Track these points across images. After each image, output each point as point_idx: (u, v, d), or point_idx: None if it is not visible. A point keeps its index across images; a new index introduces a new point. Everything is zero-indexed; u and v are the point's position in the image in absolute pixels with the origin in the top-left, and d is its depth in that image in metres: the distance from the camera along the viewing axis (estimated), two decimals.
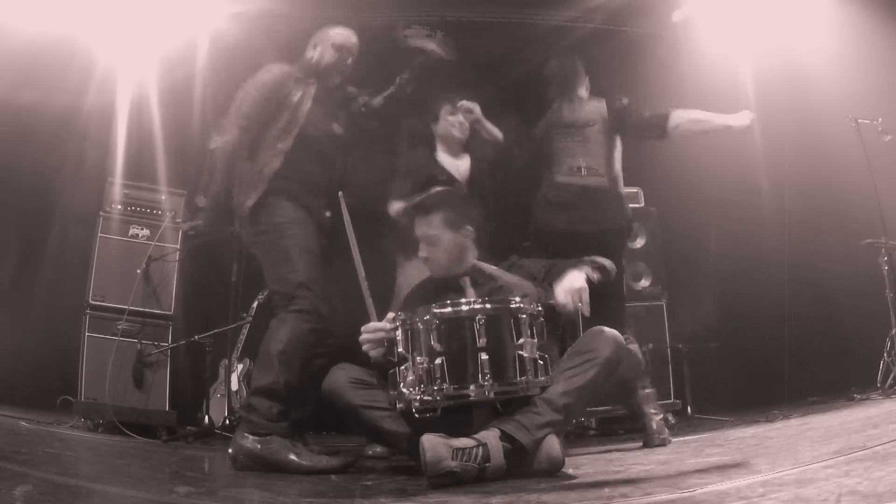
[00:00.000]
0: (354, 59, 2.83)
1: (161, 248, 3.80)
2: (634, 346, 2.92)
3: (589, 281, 2.18)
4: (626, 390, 2.82)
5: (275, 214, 2.58)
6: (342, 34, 2.82)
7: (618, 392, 2.88)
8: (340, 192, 2.33)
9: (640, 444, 2.75)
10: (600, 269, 2.29)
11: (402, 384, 1.98)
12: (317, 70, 2.76)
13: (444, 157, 3.13)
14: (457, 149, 3.15)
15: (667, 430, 2.77)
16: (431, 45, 3.02)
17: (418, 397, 1.92)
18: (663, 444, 2.66)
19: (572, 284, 2.13)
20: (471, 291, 2.34)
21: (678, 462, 2.04)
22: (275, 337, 2.43)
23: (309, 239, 2.57)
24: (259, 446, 2.27)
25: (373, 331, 2.12)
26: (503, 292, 2.33)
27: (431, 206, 2.43)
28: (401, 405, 1.99)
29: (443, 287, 2.37)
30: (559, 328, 2.27)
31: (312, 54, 2.79)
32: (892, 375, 3.58)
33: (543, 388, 1.99)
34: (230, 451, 2.33)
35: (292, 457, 2.26)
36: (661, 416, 2.82)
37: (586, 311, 2.12)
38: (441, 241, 2.35)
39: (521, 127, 3.18)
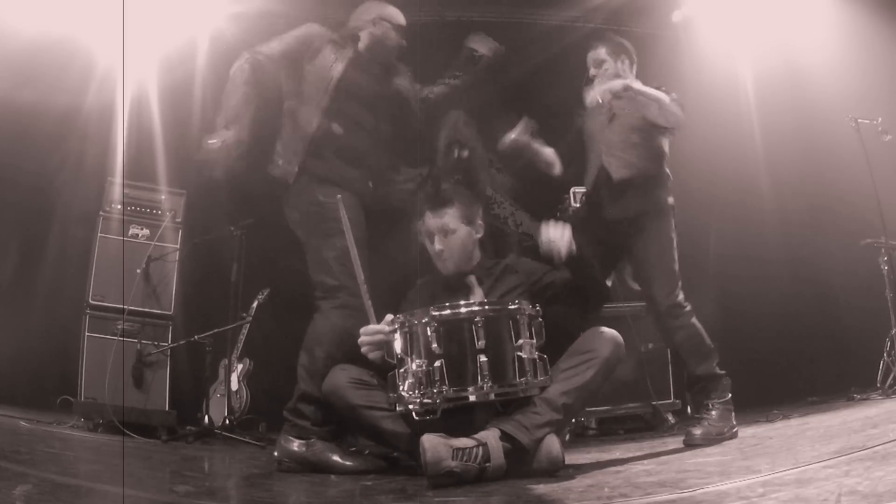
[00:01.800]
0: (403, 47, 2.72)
1: (161, 248, 3.81)
2: (696, 322, 2.75)
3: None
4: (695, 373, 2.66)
5: (318, 192, 2.45)
6: (399, 15, 2.72)
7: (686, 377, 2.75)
8: (339, 196, 2.32)
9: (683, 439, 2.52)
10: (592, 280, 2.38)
11: (401, 387, 1.97)
12: (365, 46, 2.67)
13: None
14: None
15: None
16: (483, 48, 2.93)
17: (418, 400, 1.92)
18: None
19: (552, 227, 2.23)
20: (478, 291, 2.35)
21: (678, 462, 2.04)
22: (318, 339, 2.37)
23: (357, 223, 2.40)
24: (304, 449, 2.28)
25: (372, 333, 2.11)
26: (505, 284, 2.34)
27: (447, 198, 2.42)
28: (401, 408, 1.99)
29: (450, 285, 2.37)
30: None
31: (358, 25, 2.68)
32: (892, 375, 3.58)
33: (543, 388, 1.99)
34: (275, 454, 2.34)
35: (336, 458, 2.27)
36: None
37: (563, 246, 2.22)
38: (457, 234, 2.36)
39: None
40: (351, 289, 2.31)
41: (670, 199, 2.88)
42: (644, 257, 2.78)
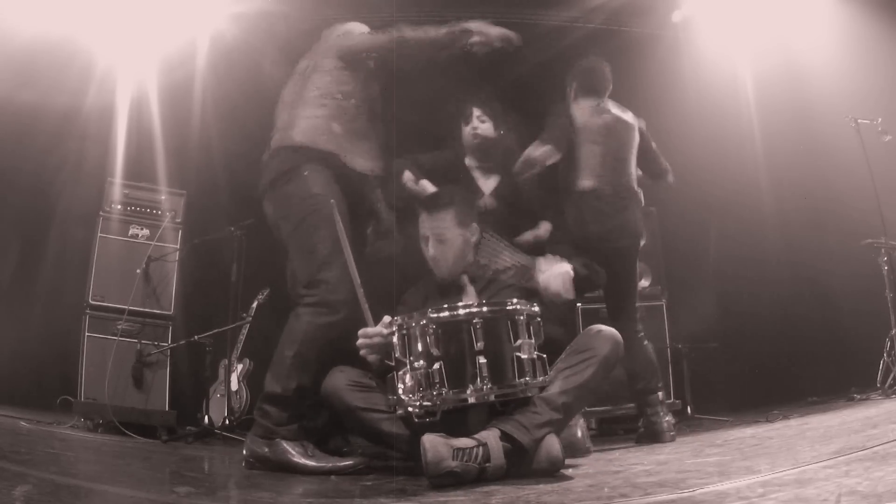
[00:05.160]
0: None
1: (161, 248, 3.81)
2: (648, 345, 3.02)
3: (576, 273, 2.25)
4: (637, 388, 2.94)
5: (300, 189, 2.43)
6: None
7: (629, 390, 3.01)
8: (332, 200, 2.31)
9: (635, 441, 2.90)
10: (589, 267, 2.35)
11: (400, 389, 1.97)
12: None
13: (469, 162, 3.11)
14: (483, 159, 3.09)
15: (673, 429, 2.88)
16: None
17: (418, 403, 1.92)
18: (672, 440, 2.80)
19: (553, 269, 2.16)
20: (470, 289, 2.36)
21: (678, 462, 2.03)
22: (288, 336, 2.34)
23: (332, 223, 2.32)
24: (266, 449, 2.27)
25: (370, 336, 2.11)
26: (498, 284, 2.35)
27: (444, 202, 2.41)
28: (400, 411, 1.99)
29: (443, 286, 2.39)
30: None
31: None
32: (892, 375, 3.58)
33: (542, 388, 1.99)
34: (244, 452, 2.33)
35: (298, 458, 2.25)
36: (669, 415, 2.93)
37: (569, 295, 2.18)
38: (453, 241, 2.37)
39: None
40: (330, 285, 2.30)
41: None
42: (618, 286, 2.96)
